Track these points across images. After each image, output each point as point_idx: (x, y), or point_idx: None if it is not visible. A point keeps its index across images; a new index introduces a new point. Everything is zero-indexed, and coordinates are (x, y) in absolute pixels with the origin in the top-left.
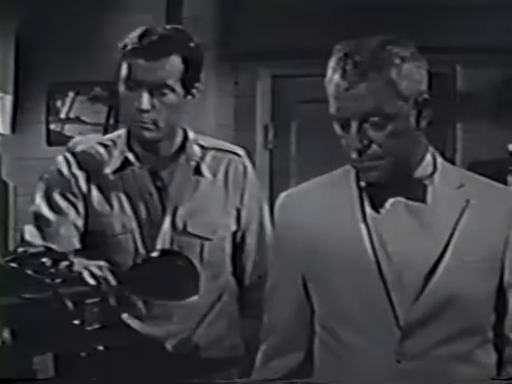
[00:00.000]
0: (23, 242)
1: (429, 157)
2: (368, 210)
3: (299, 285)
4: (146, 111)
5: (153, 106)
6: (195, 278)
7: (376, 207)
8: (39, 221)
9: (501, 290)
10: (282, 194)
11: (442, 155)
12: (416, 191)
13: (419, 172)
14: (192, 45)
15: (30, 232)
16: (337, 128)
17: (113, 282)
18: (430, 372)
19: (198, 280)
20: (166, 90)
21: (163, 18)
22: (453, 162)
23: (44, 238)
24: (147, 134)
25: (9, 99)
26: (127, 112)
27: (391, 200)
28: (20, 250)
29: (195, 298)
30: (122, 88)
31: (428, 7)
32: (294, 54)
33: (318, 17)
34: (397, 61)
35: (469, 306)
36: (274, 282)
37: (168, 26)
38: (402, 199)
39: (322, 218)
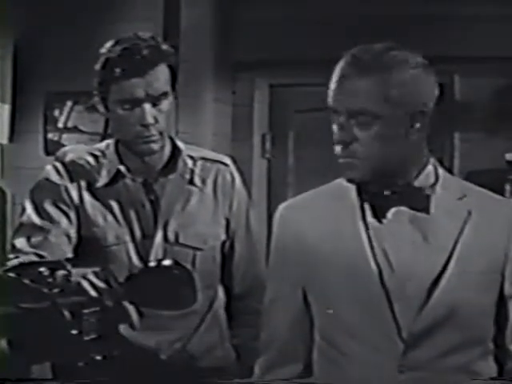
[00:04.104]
0: (14, 249)
1: (430, 167)
2: (370, 219)
3: (299, 297)
4: (152, 124)
5: (155, 118)
6: (193, 287)
7: (378, 217)
8: (29, 229)
9: (501, 302)
10: (281, 206)
11: (443, 166)
12: (418, 201)
13: (420, 181)
14: (167, 48)
15: (21, 240)
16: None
17: (112, 292)
18: (431, 383)
19: (196, 289)
20: (162, 98)
21: (161, 27)
22: (451, 171)
23: (34, 246)
24: (155, 147)
25: (6, 108)
26: (128, 130)
27: (393, 209)
28: (11, 256)
29: (194, 307)
30: (117, 109)
31: (426, 17)
32: (292, 64)
33: (315, 27)
34: (395, 66)
35: (470, 317)
36: (273, 294)
37: (139, 35)
38: (404, 209)
39: (322, 228)
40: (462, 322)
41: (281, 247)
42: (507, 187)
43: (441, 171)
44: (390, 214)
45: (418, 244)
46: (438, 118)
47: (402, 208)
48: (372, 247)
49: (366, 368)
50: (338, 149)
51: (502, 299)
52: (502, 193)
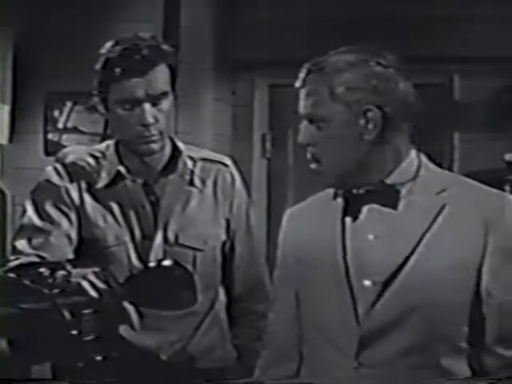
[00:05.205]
0: (15, 251)
1: (407, 163)
2: (347, 218)
3: (293, 299)
4: (152, 124)
5: (155, 118)
6: (193, 287)
7: (354, 216)
8: (30, 231)
9: (477, 300)
10: (288, 210)
11: (432, 160)
12: (388, 198)
13: (394, 178)
14: (167, 47)
15: (22, 242)
16: None
17: (112, 292)
18: (394, 380)
19: (196, 290)
20: (162, 98)
21: (161, 28)
22: (450, 172)
23: (35, 248)
24: (155, 147)
25: (6, 109)
26: (128, 130)
27: (366, 207)
28: (12, 258)
29: (194, 307)
30: (117, 109)
31: (426, 18)
32: (292, 64)
33: (315, 27)
34: (340, 66)
35: (435, 315)
36: (273, 296)
37: (139, 35)
38: (375, 206)
39: (313, 232)
40: (425, 319)
41: (281, 252)
42: (507, 188)
43: (425, 165)
44: (363, 212)
45: (386, 241)
46: (437, 119)
47: (374, 205)
48: (344, 246)
49: (331, 366)
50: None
51: (478, 297)
52: None
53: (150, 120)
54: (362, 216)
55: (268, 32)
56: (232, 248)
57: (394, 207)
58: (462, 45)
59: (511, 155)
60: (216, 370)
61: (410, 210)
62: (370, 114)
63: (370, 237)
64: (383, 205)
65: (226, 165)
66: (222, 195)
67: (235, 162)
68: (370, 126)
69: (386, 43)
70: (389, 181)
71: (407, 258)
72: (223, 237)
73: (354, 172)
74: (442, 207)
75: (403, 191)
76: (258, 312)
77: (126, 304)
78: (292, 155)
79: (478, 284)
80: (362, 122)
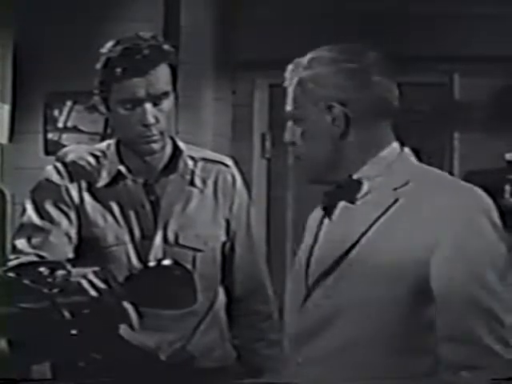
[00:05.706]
0: (15, 250)
1: (379, 158)
2: (325, 218)
3: None
4: (153, 124)
5: (156, 118)
6: (193, 287)
7: (330, 212)
8: (30, 230)
9: (425, 296)
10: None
11: (416, 153)
12: (352, 193)
13: (362, 172)
14: (168, 47)
15: (22, 241)
16: None
17: (112, 291)
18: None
19: (196, 289)
20: (163, 98)
21: (161, 27)
22: (450, 172)
23: (35, 247)
24: (155, 146)
25: (6, 109)
26: (129, 129)
27: (341, 204)
28: (12, 257)
29: (193, 307)
30: (118, 109)
31: (426, 16)
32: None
33: (315, 27)
34: (313, 65)
35: (370, 312)
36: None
37: (140, 34)
38: (344, 202)
39: (310, 232)
40: (360, 317)
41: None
42: (507, 187)
43: (403, 159)
44: (337, 209)
45: (344, 237)
46: (438, 118)
47: (344, 201)
48: (313, 245)
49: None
50: None
51: (424, 296)
52: (501, 193)
53: (151, 120)
54: (336, 212)
55: (268, 32)
56: (232, 248)
57: (353, 202)
58: (462, 44)
59: None
60: (215, 370)
61: (366, 204)
62: (335, 111)
63: (335, 233)
64: (349, 200)
65: (226, 165)
66: (223, 195)
67: (236, 163)
68: (337, 123)
69: (386, 43)
70: (356, 176)
71: (348, 251)
72: (223, 237)
73: (328, 168)
74: (394, 202)
75: (366, 186)
76: (258, 312)
77: (126, 303)
78: (292, 155)
79: (427, 280)
80: (329, 118)
